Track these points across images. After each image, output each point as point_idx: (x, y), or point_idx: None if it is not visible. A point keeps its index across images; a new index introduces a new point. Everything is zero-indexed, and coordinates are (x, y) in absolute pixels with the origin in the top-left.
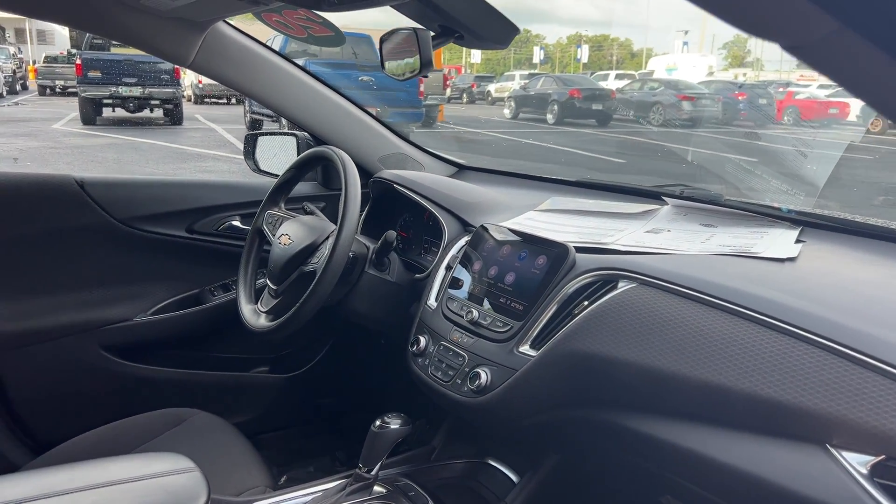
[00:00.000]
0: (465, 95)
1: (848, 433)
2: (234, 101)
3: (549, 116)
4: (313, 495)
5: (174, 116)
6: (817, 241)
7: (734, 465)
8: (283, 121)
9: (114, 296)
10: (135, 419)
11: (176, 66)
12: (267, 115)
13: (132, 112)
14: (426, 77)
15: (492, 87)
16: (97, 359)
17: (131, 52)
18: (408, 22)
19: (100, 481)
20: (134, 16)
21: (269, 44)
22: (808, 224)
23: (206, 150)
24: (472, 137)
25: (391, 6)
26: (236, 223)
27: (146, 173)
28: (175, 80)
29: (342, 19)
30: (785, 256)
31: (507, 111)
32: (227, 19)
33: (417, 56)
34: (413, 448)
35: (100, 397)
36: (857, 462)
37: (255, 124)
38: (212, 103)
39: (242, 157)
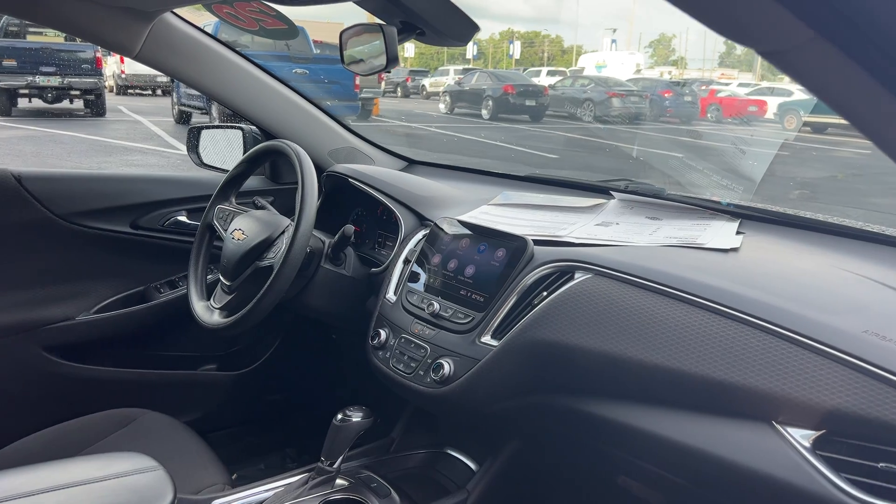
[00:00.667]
0: (399, 89)
1: (792, 410)
2: (159, 92)
3: (484, 112)
4: (275, 490)
5: (96, 107)
6: (756, 232)
7: (688, 444)
8: (214, 113)
9: (54, 295)
10: (81, 420)
11: (98, 55)
12: (196, 108)
13: (50, 103)
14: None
15: (426, 82)
16: (39, 360)
17: (49, 39)
18: (358, 17)
19: (61, 482)
20: (76, 4)
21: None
22: (746, 216)
23: (132, 142)
24: (408, 132)
25: (354, 1)
26: (182, 218)
27: (69, 167)
28: (97, 70)
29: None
30: (728, 247)
31: (442, 106)
32: (174, 10)
33: (383, 51)
34: (371, 441)
35: (43, 399)
36: (801, 436)
37: (183, 116)
38: (136, 94)
39: (172, 150)
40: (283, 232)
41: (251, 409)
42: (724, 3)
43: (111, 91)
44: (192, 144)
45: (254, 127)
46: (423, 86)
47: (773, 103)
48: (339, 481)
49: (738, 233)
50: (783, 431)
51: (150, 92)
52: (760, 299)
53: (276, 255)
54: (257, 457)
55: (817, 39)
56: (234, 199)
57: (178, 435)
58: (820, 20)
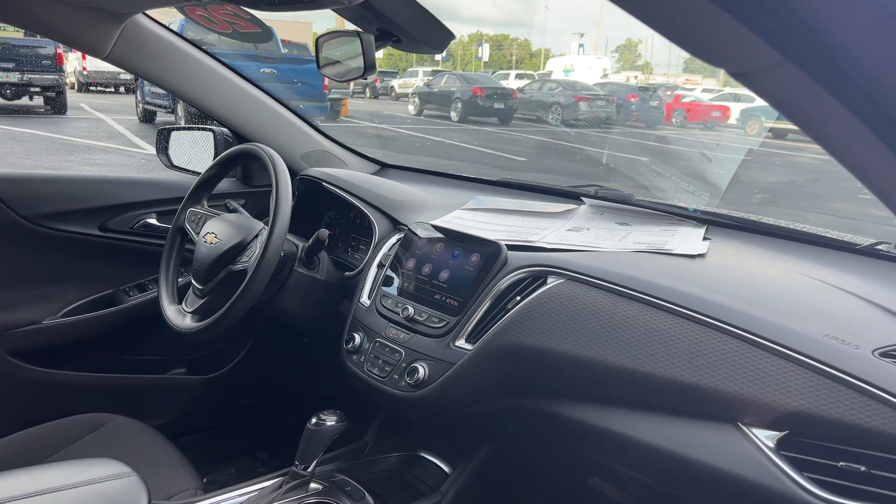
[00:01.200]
0: (368, 90)
1: (756, 412)
2: (122, 89)
3: (453, 114)
4: (249, 494)
5: (57, 105)
6: (722, 238)
7: (657, 445)
8: (179, 112)
9: (21, 298)
10: (47, 426)
11: (59, 51)
12: (161, 106)
13: (9, 99)
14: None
15: (395, 83)
16: (4, 365)
17: (9, 34)
18: (328, 18)
19: (32, 489)
20: (47, 4)
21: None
22: (712, 223)
23: (94, 141)
24: (377, 133)
25: (332, 9)
26: (152, 221)
27: (28, 166)
28: (57, 66)
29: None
30: (696, 253)
31: (411, 107)
32: (146, 11)
33: (360, 58)
34: (344, 445)
35: (9, 405)
36: (765, 437)
37: (147, 115)
38: (98, 91)
39: (136, 149)
40: (256, 236)
41: (222, 414)
42: (696, 26)
43: (73, 88)
44: (162, 146)
45: (225, 129)
46: (392, 87)
47: (735, 109)
48: (313, 485)
49: (704, 238)
50: (748, 432)
51: (112, 89)
52: (726, 304)
53: (249, 259)
54: (228, 461)
55: (784, 63)
56: (206, 202)
57: (148, 440)
58: (786, 45)
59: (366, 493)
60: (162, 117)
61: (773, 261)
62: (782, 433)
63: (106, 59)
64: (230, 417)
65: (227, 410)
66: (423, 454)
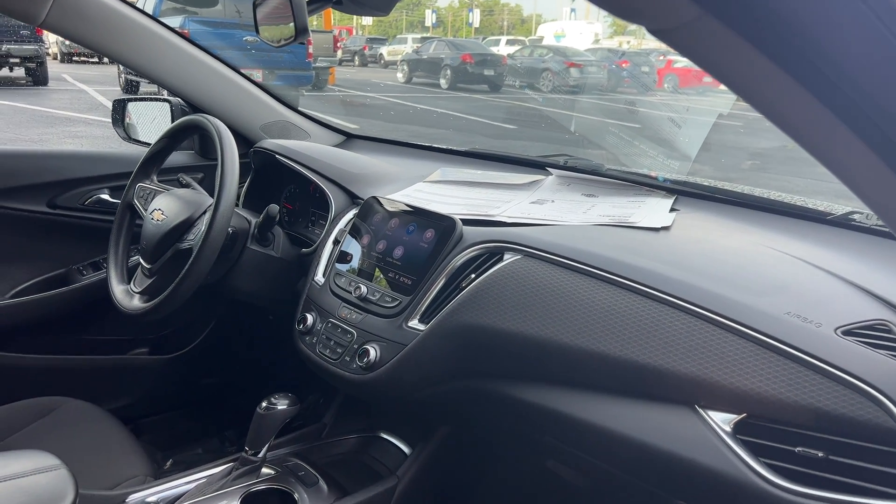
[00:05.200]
0: (356, 58)
1: (714, 394)
2: (106, 60)
3: (443, 81)
4: (197, 482)
5: (37, 76)
6: (690, 209)
7: (612, 429)
8: None
9: None
10: None
11: None
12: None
13: None
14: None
15: (384, 50)
16: None
17: None
18: None
19: None
20: None
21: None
22: (682, 192)
23: (76, 113)
24: (364, 101)
25: None
26: (105, 196)
27: (7, 139)
28: (37, 37)
29: None
30: (660, 226)
31: (400, 75)
32: None
33: (292, 22)
34: (306, 425)
35: None
36: (722, 421)
37: (130, 86)
38: (81, 62)
39: None
40: (204, 212)
41: (186, 394)
42: None
43: (55, 58)
44: (117, 118)
45: (181, 100)
46: (381, 54)
47: None
48: (264, 470)
49: (672, 210)
50: (705, 415)
51: (96, 59)
52: (686, 281)
53: (196, 237)
54: (195, 441)
55: (704, 17)
56: (155, 177)
57: (101, 424)
58: None
59: (319, 478)
60: (145, 87)
61: (739, 233)
62: (739, 416)
63: (42, 25)
64: (196, 397)
65: (192, 390)
66: (382, 434)
